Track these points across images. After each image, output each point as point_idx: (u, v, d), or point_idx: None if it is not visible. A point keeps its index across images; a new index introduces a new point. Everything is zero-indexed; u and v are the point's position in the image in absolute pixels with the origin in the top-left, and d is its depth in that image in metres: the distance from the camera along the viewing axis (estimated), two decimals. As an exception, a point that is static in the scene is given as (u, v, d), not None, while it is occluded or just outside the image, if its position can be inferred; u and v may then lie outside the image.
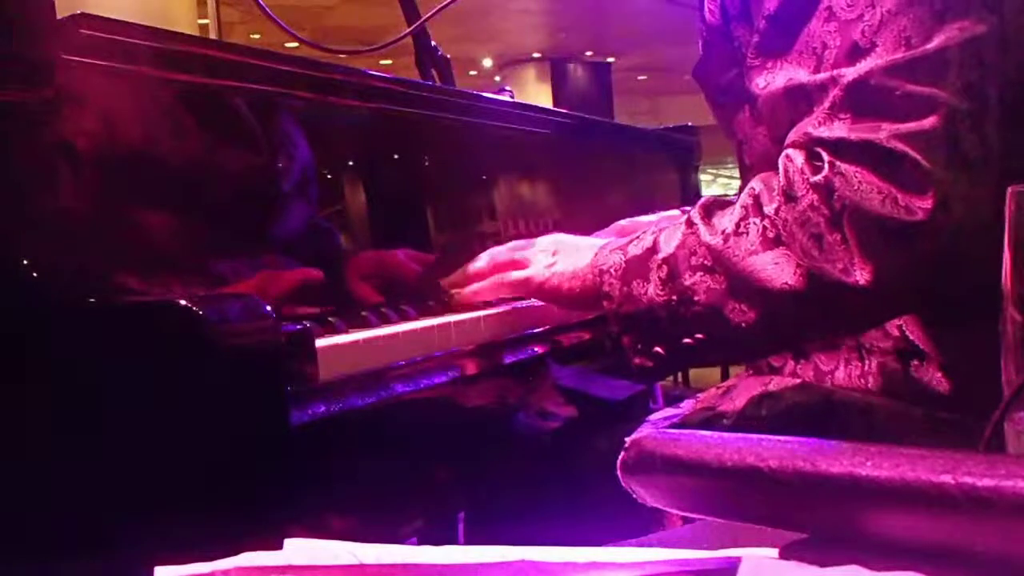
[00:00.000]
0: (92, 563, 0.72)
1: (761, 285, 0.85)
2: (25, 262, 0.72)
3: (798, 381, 1.05)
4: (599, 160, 1.78)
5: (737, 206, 0.90)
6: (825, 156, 0.82)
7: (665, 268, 0.93)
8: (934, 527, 0.42)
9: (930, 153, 0.78)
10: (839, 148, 0.82)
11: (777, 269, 0.84)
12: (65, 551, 0.73)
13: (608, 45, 12.63)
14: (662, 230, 0.96)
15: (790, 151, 0.86)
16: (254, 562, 0.45)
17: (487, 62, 13.13)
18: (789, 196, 0.84)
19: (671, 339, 0.93)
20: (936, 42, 0.80)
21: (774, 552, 0.48)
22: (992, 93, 0.82)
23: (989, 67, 0.82)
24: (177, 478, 0.69)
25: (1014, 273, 0.51)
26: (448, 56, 1.60)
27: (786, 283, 0.84)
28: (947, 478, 0.40)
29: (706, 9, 1.04)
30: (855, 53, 0.83)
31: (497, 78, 13.02)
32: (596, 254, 1.01)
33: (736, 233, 0.88)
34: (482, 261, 1.13)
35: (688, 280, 0.91)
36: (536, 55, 12.91)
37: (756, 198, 0.88)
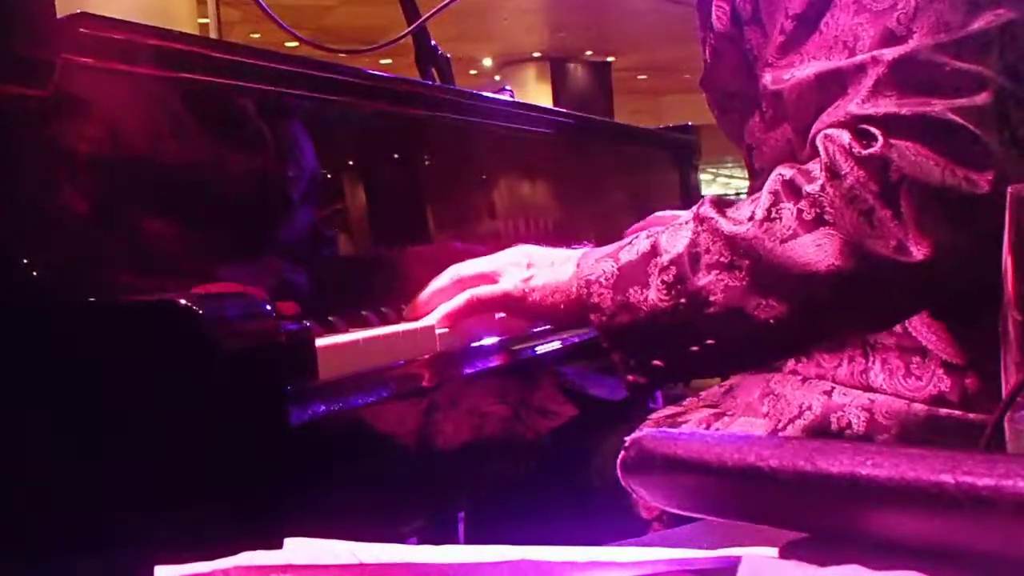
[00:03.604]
0: (92, 563, 0.72)
1: (801, 271, 0.81)
2: (25, 262, 0.72)
3: (800, 378, 1.05)
4: (599, 160, 1.78)
5: (764, 193, 0.86)
6: (877, 132, 0.80)
7: (672, 270, 0.87)
8: (934, 527, 0.42)
9: (985, 127, 0.78)
10: (890, 123, 0.79)
11: (820, 251, 0.80)
12: (65, 551, 0.73)
13: (608, 45, 12.64)
14: (658, 233, 0.92)
15: (830, 131, 0.83)
16: (254, 561, 0.45)
17: (487, 62, 13.13)
18: (834, 173, 0.81)
19: (674, 348, 0.88)
20: (976, 25, 0.80)
21: (774, 552, 0.48)
22: None
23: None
24: (177, 478, 0.69)
25: (1015, 273, 0.51)
26: (448, 55, 1.60)
27: (832, 264, 0.80)
28: (947, 477, 0.40)
29: (714, 16, 1.03)
30: (890, 40, 0.82)
31: (497, 77, 13.03)
32: (579, 264, 0.96)
33: (768, 219, 0.83)
34: (444, 279, 1.06)
35: (701, 280, 0.86)
36: (536, 55, 12.92)
37: (788, 182, 0.84)
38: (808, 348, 1.02)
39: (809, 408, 1.00)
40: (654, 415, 1.16)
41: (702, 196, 0.97)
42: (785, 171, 0.86)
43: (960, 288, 0.87)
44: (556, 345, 1.16)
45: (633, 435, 0.52)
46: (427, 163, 1.29)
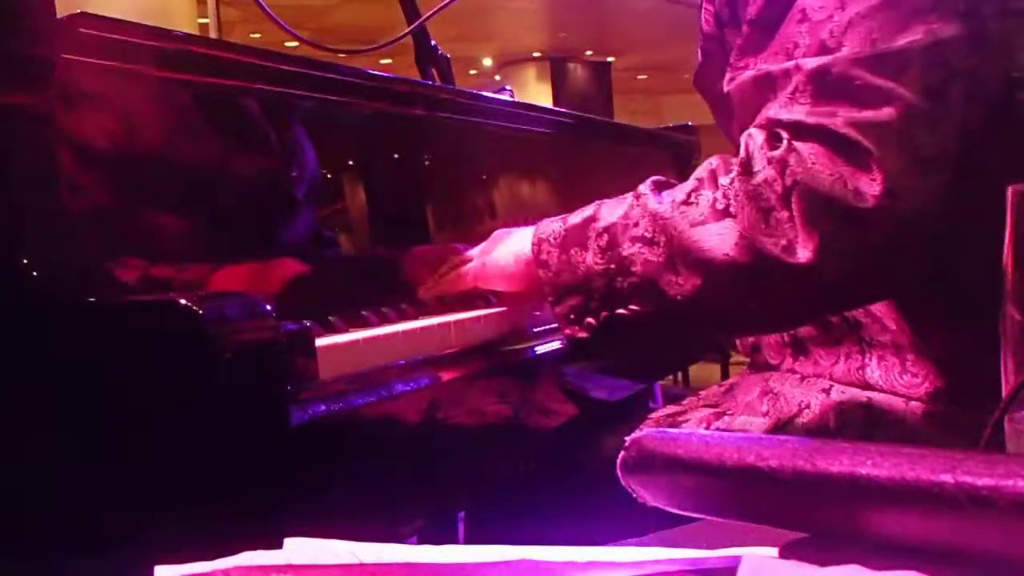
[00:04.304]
0: (92, 563, 0.72)
1: (702, 255, 0.86)
2: (25, 262, 0.72)
3: (798, 376, 1.05)
4: (599, 160, 1.78)
5: (692, 178, 0.92)
6: (784, 135, 0.84)
7: (605, 236, 0.94)
8: (934, 527, 0.42)
9: (883, 143, 0.80)
10: (797, 129, 0.83)
11: (720, 240, 0.85)
12: (65, 550, 0.73)
13: (608, 45, 12.63)
14: (604, 202, 0.98)
15: (752, 130, 0.87)
16: (254, 561, 0.45)
17: (487, 62, 13.12)
18: (747, 169, 0.85)
19: (607, 308, 0.94)
20: (901, 42, 0.82)
21: (774, 552, 0.48)
22: (955, 97, 0.83)
23: (955, 71, 0.83)
24: (177, 478, 0.69)
25: (1015, 272, 0.51)
26: (448, 55, 1.60)
27: (726, 255, 0.84)
28: (947, 477, 0.40)
29: (702, 18, 1.05)
30: (822, 51, 0.84)
31: (497, 77, 13.02)
32: (538, 226, 1.03)
33: (686, 202, 0.89)
34: (444, 266, 1.14)
35: (627, 251, 0.92)
36: (536, 55, 12.91)
37: (713, 172, 0.89)
38: (721, 333, 1.07)
39: (808, 406, 1.00)
40: (654, 415, 1.16)
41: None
42: (714, 160, 0.91)
43: (853, 298, 0.92)
44: (556, 345, 1.16)
45: (633, 435, 0.52)
46: (427, 163, 1.29)
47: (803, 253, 0.81)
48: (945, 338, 0.93)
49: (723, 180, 0.87)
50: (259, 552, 0.46)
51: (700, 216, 0.87)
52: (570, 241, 0.97)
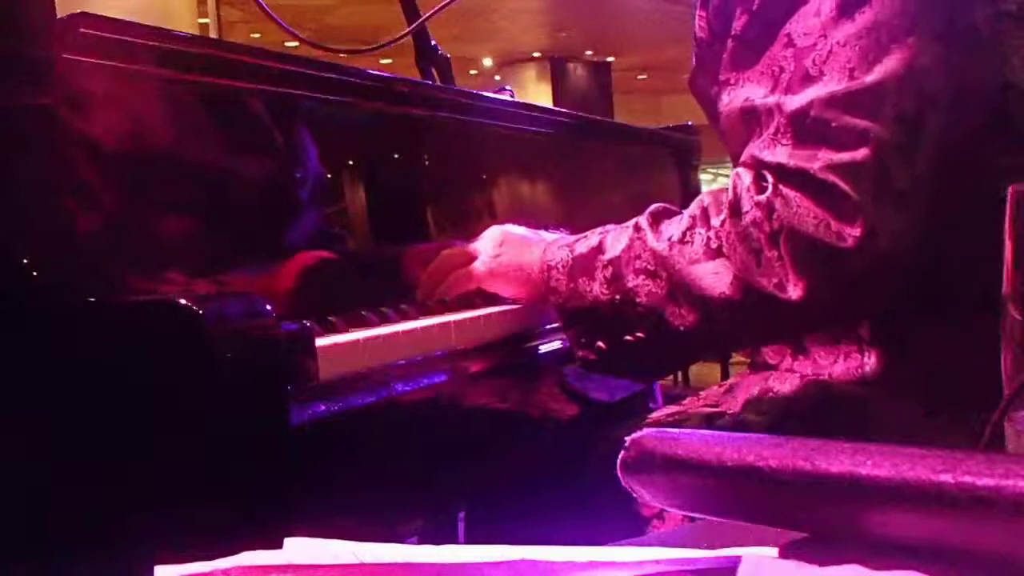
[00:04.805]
0: (92, 563, 0.72)
1: (700, 293, 0.90)
2: (25, 262, 0.72)
3: (797, 376, 1.05)
4: (599, 160, 1.78)
5: (685, 215, 0.95)
6: (770, 178, 0.86)
7: (610, 269, 0.97)
8: (934, 526, 0.42)
9: (860, 184, 0.82)
10: (780, 172, 0.86)
11: (716, 279, 0.89)
12: (65, 551, 0.73)
13: (608, 45, 12.63)
14: (608, 232, 1.01)
15: (740, 170, 0.90)
16: (254, 561, 0.45)
17: (487, 62, 13.12)
18: (735, 211, 0.88)
19: (614, 335, 0.98)
20: (875, 75, 0.84)
21: (774, 552, 0.48)
22: (930, 123, 0.86)
23: (931, 97, 0.86)
24: (177, 477, 0.69)
25: (1014, 272, 0.51)
26: (448, 55, 1.60)
27: (723, 293, 0.88)
28: (947, 477, 0.40)
29: (696, 25, 1.06)
30: (806, 80, 0.87)
31: (497, 77, 13.02)
32: (545, 249, 1.05)
33: (682, 241, 0.92)
34: (437, 261, 1.15)
35: (631, 282, 0.95)
36: (536, 55, 12.91)
37: (704, 210, 0.92)
38: (724, 351, 1.12)
39: (807, 406, 1.01)
40: (654, 415, 1.16)
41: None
42: (706, 198, 0.94)
43: (844, 321, 0.98)
44: (557, 345, 1.16)
45: (633, 435, 0.52)
46: (427, 163, 1.29)
47: (794, 291, 0.84)
48: (944, 338, 0.93)
49: (714, 221, 0.90)
50: (259, 552, 0.46)
51: (696, 255, 0.91)
52: (577, 270, 1.00)
